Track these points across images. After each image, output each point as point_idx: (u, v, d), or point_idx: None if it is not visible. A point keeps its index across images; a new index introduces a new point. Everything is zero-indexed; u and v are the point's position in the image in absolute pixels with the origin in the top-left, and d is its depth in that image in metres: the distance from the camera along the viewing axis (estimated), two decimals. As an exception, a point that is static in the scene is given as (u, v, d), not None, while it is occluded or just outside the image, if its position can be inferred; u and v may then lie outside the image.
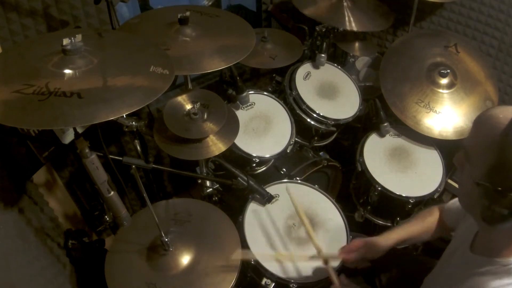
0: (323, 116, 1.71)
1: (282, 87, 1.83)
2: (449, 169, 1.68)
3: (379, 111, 1.70)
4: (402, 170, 1.65)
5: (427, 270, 1.11)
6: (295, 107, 1.73)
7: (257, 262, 1.29)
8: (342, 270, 1.30)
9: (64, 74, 0.89)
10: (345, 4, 1.75)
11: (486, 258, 0.83)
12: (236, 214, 1.42)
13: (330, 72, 1.90)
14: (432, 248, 1.62)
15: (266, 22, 2.27)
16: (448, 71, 1.61)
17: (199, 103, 1.35)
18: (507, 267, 0.78)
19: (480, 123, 0.80)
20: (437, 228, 1.23)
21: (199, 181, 1.62)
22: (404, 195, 1.56)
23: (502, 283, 0.77)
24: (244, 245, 1.30)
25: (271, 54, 1.76)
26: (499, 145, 0.71)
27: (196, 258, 1.19)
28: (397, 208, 1.64)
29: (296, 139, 1.73)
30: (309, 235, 1.25)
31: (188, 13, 1.30)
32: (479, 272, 0.82)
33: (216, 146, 1.35)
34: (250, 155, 1.56)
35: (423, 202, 1.66)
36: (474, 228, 0.93)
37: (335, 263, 1.29)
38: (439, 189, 1.61)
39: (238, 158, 1.58)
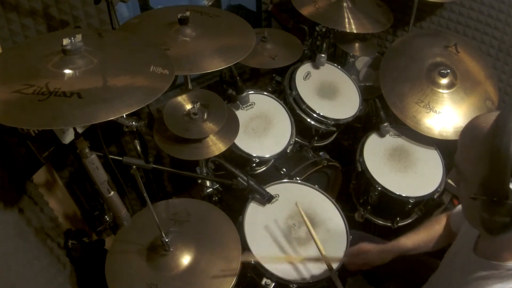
0: (323, 116, 1.71)
1: (282, 87, 1.83)
2: (449, 169, 1.68)
3: (379, 111, 1.69)
4: (402, 170, 1.64)
5: (430, 270, 1.11)
6: (295, 107, 1.73)
7: (257, 262, 1.29)
8: (343, 270, 1.30)
9: (64, 74, 0.89)
10: (344, 4, 1.75)
11: (489, 261, 0.82)
12: (236, 214, 1.42)
13: (330, 72, 1.90)
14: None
15: (266, 22, 2.27)
16: (448, 71, 1.61)
17: (199, 103, 1.35)
18: (511, 271, 0.78)
19: (465, 137, 0.79)
20: (443, 236, 1.22)
21: (199, 181, 1.62)
22: (404, 195, 1.56)
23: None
24: (244, 245, 1.30)
25: (271, 54, 1.76)
26: (486, 154, 0.70)
27: (197, 258, 1.19)
28: (397, 208, 1.64)
29: (296, 139, 1.72)
30: (320, 252, 1.24)
31: (188, 13, 1.30)
32: (482, 275, 0.82)
33: (216, 146, 1.35)
34: (250, 155, 1.56)
35: (423, 202, 1.66)
36: (476, 230, 0.92)
37: (334, 265, 1.29)
38: (439, 189, 1.60)
39: (238, 158, 1.58)
